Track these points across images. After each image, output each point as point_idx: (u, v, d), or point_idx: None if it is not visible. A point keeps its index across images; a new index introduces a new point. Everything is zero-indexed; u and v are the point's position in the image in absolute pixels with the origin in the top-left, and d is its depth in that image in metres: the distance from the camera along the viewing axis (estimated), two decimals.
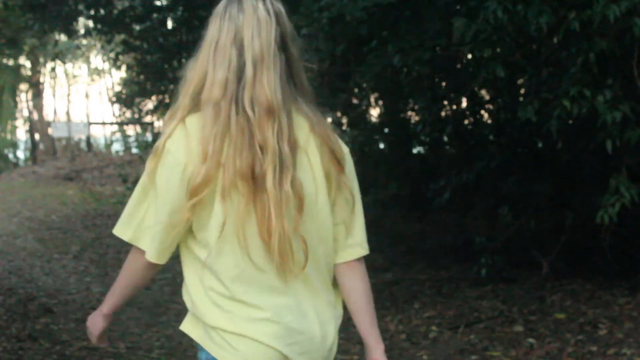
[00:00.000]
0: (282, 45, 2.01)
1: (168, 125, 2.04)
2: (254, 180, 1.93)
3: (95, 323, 2.24)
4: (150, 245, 2.07)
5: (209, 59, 2.01)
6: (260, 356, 2.01)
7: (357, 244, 2.13)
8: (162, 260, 2.09)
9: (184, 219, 2.00)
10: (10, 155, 26.88)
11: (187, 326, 2.11)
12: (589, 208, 6.10)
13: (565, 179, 7.02)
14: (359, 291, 2.14)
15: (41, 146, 25.89)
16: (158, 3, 12.73)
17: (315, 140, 2.02)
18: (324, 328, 2.09)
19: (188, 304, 2.10)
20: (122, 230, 2.13)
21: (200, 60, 2.03)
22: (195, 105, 2.01)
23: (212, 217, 1.97)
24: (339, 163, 2.04)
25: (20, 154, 27.68)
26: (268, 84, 1.95)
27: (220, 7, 2.06)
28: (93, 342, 2.28)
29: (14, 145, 27.29)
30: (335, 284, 2.16)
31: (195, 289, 2.05)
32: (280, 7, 2.04)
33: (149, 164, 2.04)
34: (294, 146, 1.97)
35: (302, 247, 1.99)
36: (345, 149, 2.08)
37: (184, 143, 1.98)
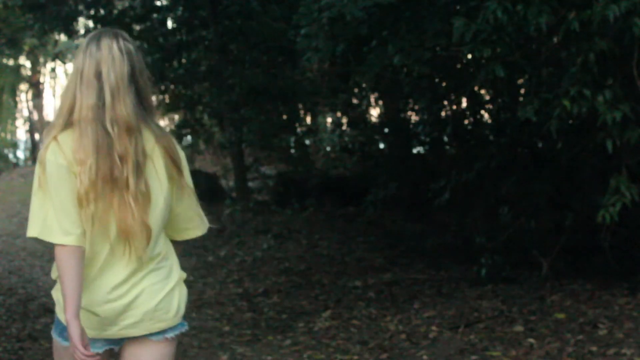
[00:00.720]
0: (132, 77, 2.59)
1: (45, 140, 2.62)
2: (113, 182, 2.53)
3: (83, 335, 2.53)
4: (65, 235, 2.53)
5: (77, 87, 2.58)
6: (84, 321, 2.54)
7: (190, 228, 2.77)
8: (83, 242, 2.55)
9: (78, 207, 2.53)
10: (10, 155, 26.84)
11: (54, 292, 2.70)
12: (589, 208, 6.09)
13: (565, 179, 7.01)
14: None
15: (41, 146, 25.84)
16: (158, 3, 12.73)
17: (160, 150, 2.62)
18: (154, 294, 2.63)
19: (54, 274, 2.67)
20: (31, 231, 2.58)
21: (69, 87, 2.60)
22: (67, 124, 2.58)
23: (87, 209, 2.53)
24: (178, 168, 2.66)
25: (20, 154, 27.63)
26: (125, 108, 2.55)
27: (84, 44, 2.61)
28: (85, 353, 2.52)
29: (14, 145, 27.26)
30: (173, 255, 2.75)
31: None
32: (131, 47, 2.62)
33: (37, 173, 2.58)
34: (144, 155, 2.58)
35: (147, 233, 2.58)
36: (182, 154, 2.71)
37: (59, 152, 2.55)
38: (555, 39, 5.93)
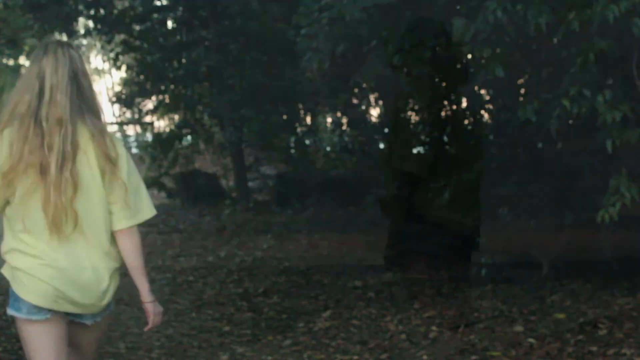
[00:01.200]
0: (74, 78, 2.92)
1: None
2: (41, 169, 2.84)
3: None
4: None
5: (22, 88, 2.94)
6: (40, 291, 2.90)
7: (127, 217, 2.99)
8: None
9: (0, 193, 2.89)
10: None
11: (4, 270, 3.00)
12: (589, 208, 6.09)
13: (565, 179, 7.01)
14: (130, 250, 3.02)
15: None
16: (158, 3, 12.74)
17: (93, 146, 2.91)
18: (98, 274, 2.95)
19: (3, 250, 2.98)
20: None
21: (16, 88, 2.96)
22: (9, 120, 2.90)
23: (15, 192, 2.87)
24: (111, 162, 2.92)
25: None
26: (60, 104, 2.87)
27: (34, 52, 3.00)
28: None
29: None
30: (114, 242, 3.01)
31: (7, 240, 2.96)
32: (73, 53, 2.97)
33: None
34: (75, 147, 2.87)
35: (73, 217, 2.87)
36: (121, 151, 2.97)
37: None
38: (555, 39, 5.93)
